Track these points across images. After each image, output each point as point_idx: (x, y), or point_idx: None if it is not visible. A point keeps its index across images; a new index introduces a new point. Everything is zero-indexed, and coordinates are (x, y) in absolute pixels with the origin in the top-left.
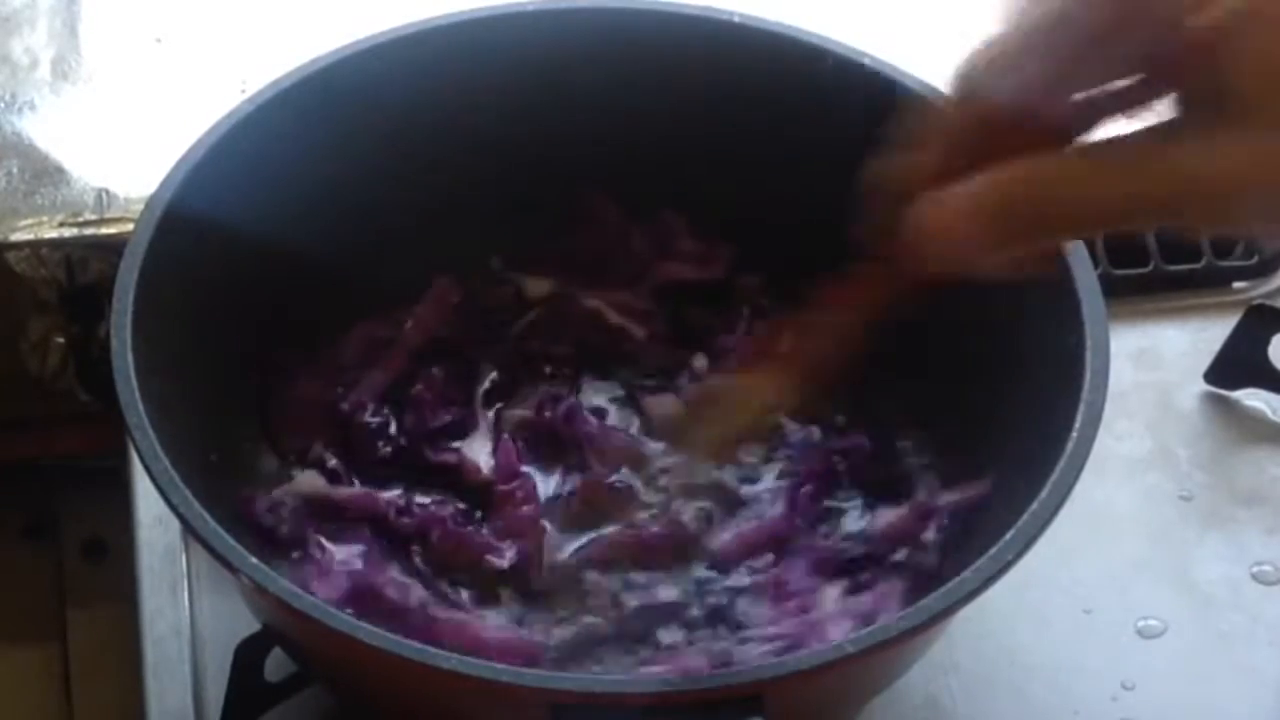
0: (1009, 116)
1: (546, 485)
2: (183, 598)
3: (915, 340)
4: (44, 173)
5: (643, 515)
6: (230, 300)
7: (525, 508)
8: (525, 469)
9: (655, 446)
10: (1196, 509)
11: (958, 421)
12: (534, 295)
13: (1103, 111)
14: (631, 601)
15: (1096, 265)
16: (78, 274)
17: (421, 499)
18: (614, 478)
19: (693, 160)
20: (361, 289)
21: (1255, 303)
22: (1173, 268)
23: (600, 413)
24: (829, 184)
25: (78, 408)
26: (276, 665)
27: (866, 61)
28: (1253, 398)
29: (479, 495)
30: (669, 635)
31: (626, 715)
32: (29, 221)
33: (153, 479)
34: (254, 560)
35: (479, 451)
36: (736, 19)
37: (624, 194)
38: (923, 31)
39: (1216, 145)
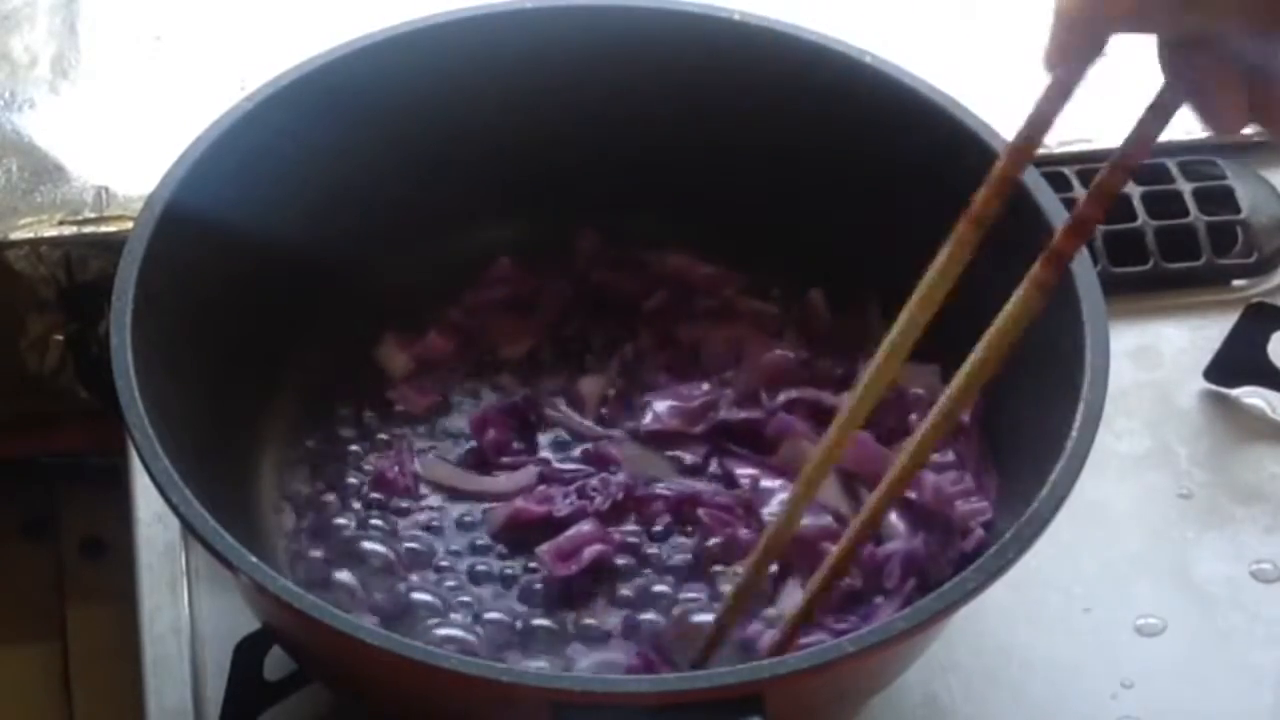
0: None
1: None
2: (182, 596)
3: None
4: (43, 171)
5: None
6: (230, 298)
7: None
8: None
9: None
10: (1196, 507)
11: None
12: None
13: None
14: None
15: (1096, 263)
16: (77, 272)
17: None
18: None
19: (693, 157)
20: (361, 287)
21: (1254, 301)
22: (1172, 265)
23: None
24: (828, 181)
25: (77, 406)
26: (276, 663)
27: (867, 60)
28: (1252, 395)
29: None
30: None
31: (626, 715)
32: (28, 220)
33: (152, 477)
34: (253, 559)
35: None
36: (737, 17)
37: (623, 190)
38: (923, 31)
39: None
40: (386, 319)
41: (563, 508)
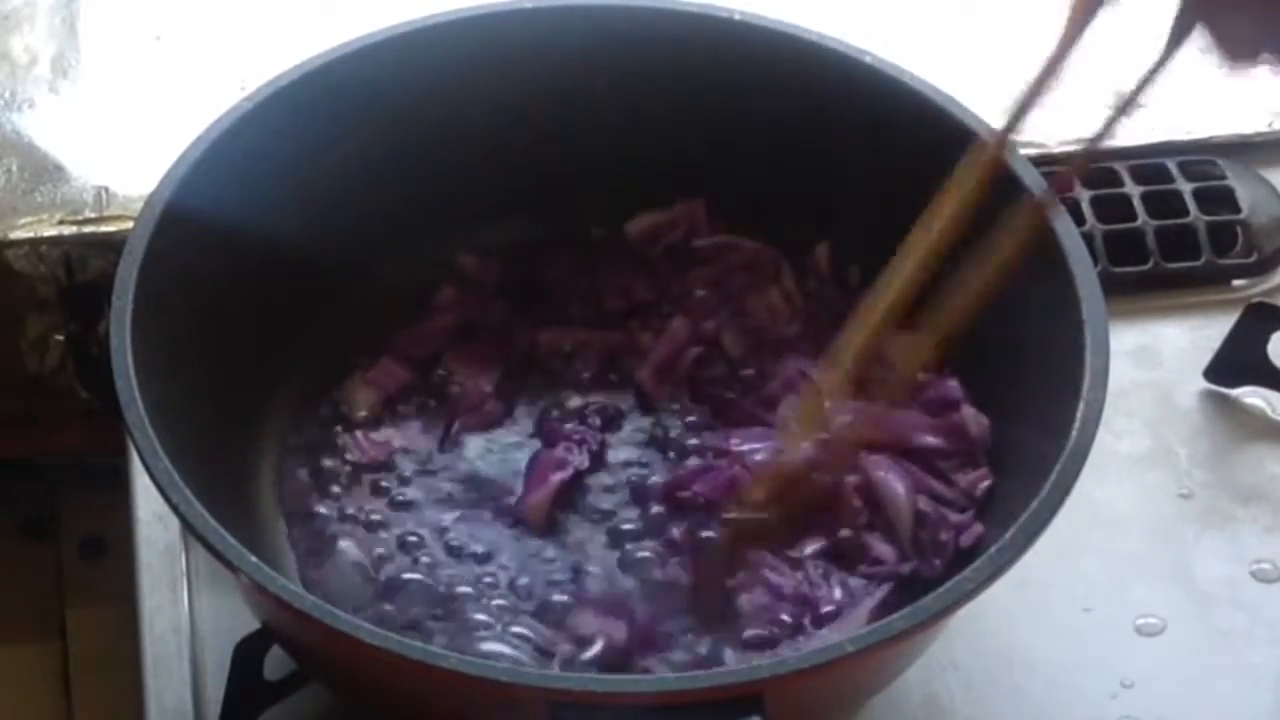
0: None
1: None
2: (182, 596)
3: None
4: (43, 171)
5: None
6: (230, 298)
7: None
8: None
9: None
10: (1196, 507)
11: None
12: None
13: None
14: None
15: (1096, 263)
16: (77, 272)
17: None
18: None
19: (692, 157)
20: (361, 286)
21: (1255, 300)
22: (1172, 265)
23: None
24: (828, 181)
25: (77, 406)
26: (276, 663)
27: (867, 60)
28: (1252, 395)
29: None
30: None
31: (626, 715)
32: (28, 219)
33: (152, 477)
34: (254, 559)
35: None
36: (737, 17)
37: (623, 190)
38: (923, 30)
39: None
40: (386, 319)
41: (576, 460)
